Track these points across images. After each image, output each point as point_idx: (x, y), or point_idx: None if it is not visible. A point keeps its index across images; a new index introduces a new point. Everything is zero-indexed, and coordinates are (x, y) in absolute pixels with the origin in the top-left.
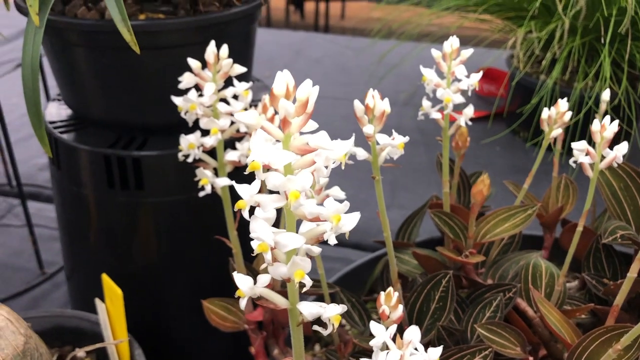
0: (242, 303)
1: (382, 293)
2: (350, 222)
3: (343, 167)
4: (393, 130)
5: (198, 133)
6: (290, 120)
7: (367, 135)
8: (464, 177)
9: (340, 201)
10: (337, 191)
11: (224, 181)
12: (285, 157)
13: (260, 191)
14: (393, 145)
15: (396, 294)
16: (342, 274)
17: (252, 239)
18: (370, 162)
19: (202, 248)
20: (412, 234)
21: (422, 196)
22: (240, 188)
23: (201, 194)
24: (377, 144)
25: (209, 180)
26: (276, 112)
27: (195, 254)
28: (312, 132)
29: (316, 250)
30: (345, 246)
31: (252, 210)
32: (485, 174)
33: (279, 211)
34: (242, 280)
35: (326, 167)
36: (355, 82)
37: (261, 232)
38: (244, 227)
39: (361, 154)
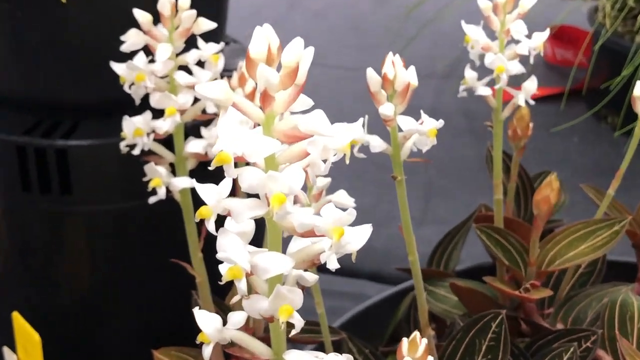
0: (206, 352)
1: (405, 340)
2: (357, 238)
3: (347, 161)
4: (422, 112)
5: (148, 114)
6: (273, 94)
7: (385, 117)
8: (524, 179)
9: (346, 210)
10: (343, 197)
11: (183, 182)
12: (266, 146)
13: (233, 194)
14: (421, 132)
15: (424, 341)
16: (352, 315)
17: (220, 262)
18: (390, 155)
19: (154, 276)
20: (451, 260)
21: (467, 205)
22: (204, 189)
23: (152, 199)
24: (400, 130)
25: (162, 180)
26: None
27: (145, 284)
28: (305, 112)
29: (310, 277)
30: (357, 276)
31: (220, 222)
32: (554, 174)
33: (259, 223)
34: (206, 319)
35: (324, 161)
36: (373, 45)
37: (232, 252)
38: (212, 246)
39: (376, 143)
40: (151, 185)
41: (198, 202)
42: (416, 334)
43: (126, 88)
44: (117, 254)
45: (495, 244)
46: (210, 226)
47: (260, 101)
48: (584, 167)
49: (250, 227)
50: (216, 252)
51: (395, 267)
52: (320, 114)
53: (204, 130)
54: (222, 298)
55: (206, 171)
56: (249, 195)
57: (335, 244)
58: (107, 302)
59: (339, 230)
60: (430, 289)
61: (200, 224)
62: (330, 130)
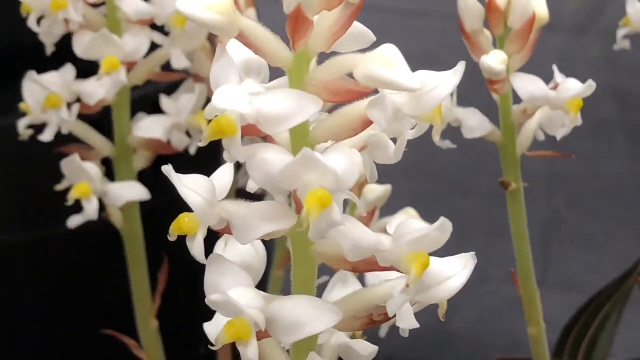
0: None
1: None
2: (452, 274)
3: (437, 139)
4: (555, 68)
5: (69, 70)
6: (310, 16)
7: (491, 76)
8: None
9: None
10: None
11: (129, 190)
12: (298, 106)
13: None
14: (555, 102)
15: None
16: None
17: (212, 311)
18: (497, 145)
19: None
20: (597, 348)
21: (619, 255)
22: (186, 182)
23: (73, 222)
24: (515, 102)
25: (93, 188)
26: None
27: None
28: (363, 51)
29: (365, 348)
30: None
31: (208, 243)
32: None
33: (268, 246)
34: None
35: (393, 140)
36: None
37: (236, 294)
38: (174, 307)
39: (474, 123)
40: (73, 196)
41: (152, 228)
42: None
43: (32, 24)
44: (12, 318)
45: None
46: (197, 249)
47: (289, 31)
48: None
49: (262, 254)
50: (182, 319)
51: (497, 357)
52: (393, 50)
53: (166, 101)
54: None
55: (168, 172)
56: (252, 198)
57: (414, 281)
58: None
59: (422, 259)
60: None
61: (155, 268)
62: (412, 79)
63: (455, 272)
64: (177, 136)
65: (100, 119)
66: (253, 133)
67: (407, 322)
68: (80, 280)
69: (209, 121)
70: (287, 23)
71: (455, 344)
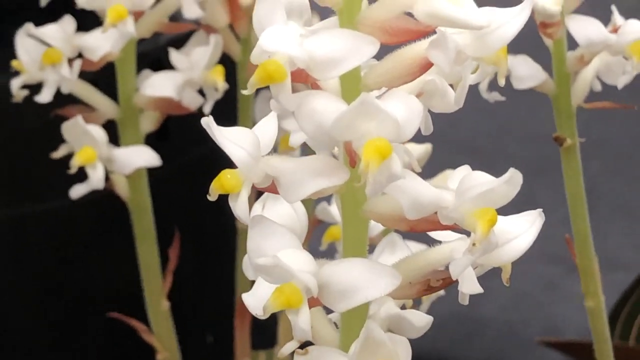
0: None
1: None
2: (519, 233)
3: (502, 82)
4: (614, 8)
5: (68, 22)
6: None
7: (545, 18)
8: None
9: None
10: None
11: (138, 156)
12: (354, 47)
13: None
14: (616, 47)
15: None
16: None
17: (253, 281)
18: (550, 97)
19: (66, 339)
20: None
21: None
22: (229, 135)
23: (77, 191)
24: (570, 47)
25: (98, 153)
26: None
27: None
28: None
29: (419, 319)
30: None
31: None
32: None
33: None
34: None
35: (452, 87)
36: None
37: (288, 256)
38: (187, 287)
39: (526, 71)
40: (76, 162)
41: (161, 201)
42: None
43: None
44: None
45: None
46: (240, 209)
47: None
48: None
49: (303, 216)
50: (209, 295)
51: (538, 339)
52: None
53: (176, 56)
54: None
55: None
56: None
57: (481, 240)
58: None
59: (489, 215)
60: None
61: (166, 244)
62: (479, 16)
63: (521, 231)
64: (189, 94)
65: (96, 78)
66: (299, 79)
67: (470, 286)
68: (82, 259)
69: (256, 67)
70: None
71: (486, 329)
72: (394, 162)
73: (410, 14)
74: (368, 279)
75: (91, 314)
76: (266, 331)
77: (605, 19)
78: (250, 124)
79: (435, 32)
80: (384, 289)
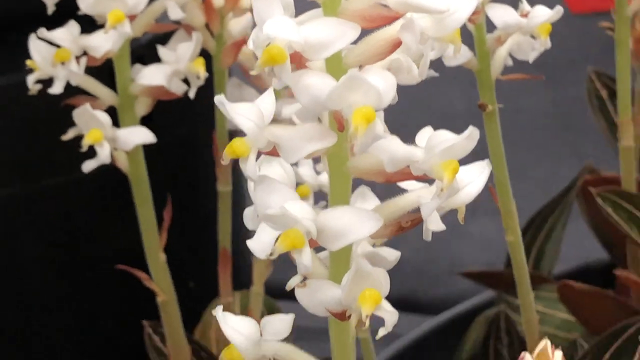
0: None
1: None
2: (473, 179)
3: (455, 56)
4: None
5: (73, 26)
6: None
7: None
8: None
9: None
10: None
11: (136, 135)
12: (341, 32)
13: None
14: (526, 28)
15: (559, 354)
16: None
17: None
18: (474, 71)
19: (82, 294)
20: (545, 257)
21: (564, 166)
22: (238, 109)
23: (88, 165)
24: (489, 30)
25: (104, 134)
26: None
27: (68, 306)
28: None
29: (390, 254)
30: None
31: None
32: None
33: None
34: (237, 326)
35: (416, 63)
36: None
37: (292, 207)
38: (180, 241)
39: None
40: (86, 142)
41: (157, 171)
42: (546, 342)
43: None
44: (17, 266)
45: (628, 217)
46: (250, 169)
47: None
48: None
49: (291, 174)
50: (191, 249)
51: (459, 272)
52: None
53: (164, 51)
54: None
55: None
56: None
57: (447, 186)
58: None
59: (452, 165)
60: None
61: (160, 206)
62: (441, 3)
63: (473, 178)
64: (175, 82)
65: (98, 72)
66: (294, 61)
67: (435, 224)
68: (93, 223)
69: (260, 52)
70: None
71: (403, 267)
72: (377, 126)
73: (381, 4)
74: (357, 222)
75: (102, 268)
76: (242, 275)
77: (514, 7)
78: None
79: (401, 18)
80: (370, 230)
